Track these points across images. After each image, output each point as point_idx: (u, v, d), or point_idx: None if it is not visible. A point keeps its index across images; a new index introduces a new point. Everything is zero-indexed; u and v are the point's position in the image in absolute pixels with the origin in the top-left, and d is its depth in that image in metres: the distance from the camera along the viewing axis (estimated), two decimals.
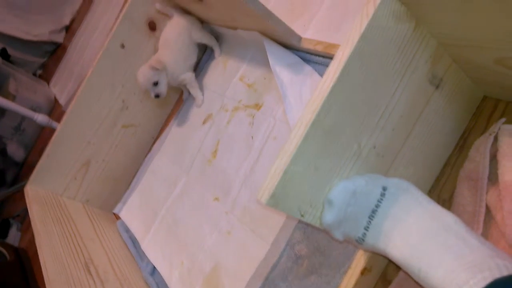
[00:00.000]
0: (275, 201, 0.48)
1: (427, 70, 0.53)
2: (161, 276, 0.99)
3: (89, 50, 2.33)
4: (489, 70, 0.52)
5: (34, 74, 2.97)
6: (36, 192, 1.15)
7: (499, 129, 0.55)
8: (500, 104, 0.60)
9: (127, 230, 1.17)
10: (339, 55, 0.46)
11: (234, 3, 0.82)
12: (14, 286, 1.63)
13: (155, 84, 1.04)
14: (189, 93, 1.17)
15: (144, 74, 1.03)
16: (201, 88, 1.16)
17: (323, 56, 0.86)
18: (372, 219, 0.51)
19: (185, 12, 1.13)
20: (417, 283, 0.47)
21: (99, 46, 2.17)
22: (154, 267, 1.02)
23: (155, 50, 1.18)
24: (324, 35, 0.91)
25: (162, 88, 1.05)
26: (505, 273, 0.40)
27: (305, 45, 0.87)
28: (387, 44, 0.48)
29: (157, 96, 1.05)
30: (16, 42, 2.75)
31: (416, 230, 0.48)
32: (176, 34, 1.09)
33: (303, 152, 0.47)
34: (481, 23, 0.42)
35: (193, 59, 1.13)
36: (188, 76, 1.12)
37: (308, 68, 0.88)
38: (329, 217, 0.51)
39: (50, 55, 2.99)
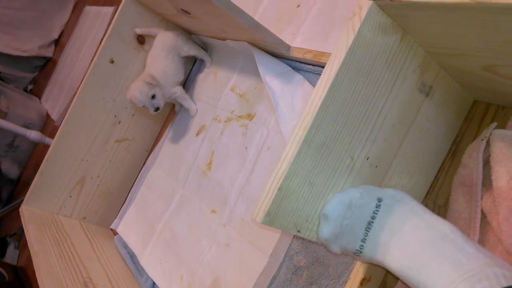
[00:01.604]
0: (271, 219, 0.48)
1: (416, 79, 0.54)
2: None
3: (79, 63, 2.33)
4: (478, 76, 0.52)
5: (25, 90, 2.96)
6: (32, 212, 1.14)
7: (491, 134, 0.55)
8: (490, 108, 0.60)
9: (125, 246, 1.17)
10: (327, 71, 0.46)
11: (222, 16, 0.82)
12: None
13: (153, 97, 1.03)
14: (181, 105, 1.17)
15: (140, 90, 1.01)
16: (193, 99, 1.16)
17: (313, 64, 0.86)
18: (368, 231, 0.51)
19: (169, 28, 1.14)
20: None
21: (89, 59, 2.16)
22: (154, 283, 1.02)
23: (144, 65, 1.18)
24: (313, 43, 0.91)
25: (160, 101, 1.05)
26: (503, 282, 0.40)
27: (294, 54, 0.88)
28: (375, 57, 0.48)
29: (157, 109, 1.04)
30: (5, 58, 2.74)
31: (413, 240, 0.48)
32: (163, 51, 1.09)
33: (297, 168, 0.47)
34: (466, 33, 0.43)
35: (181, 74, 1.13)
36: (178, 90, 1.12)
37: (298, 76, 0.88)
38: (325, 231, 0.51)
39: (40, 69, 2.98)
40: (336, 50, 0.46)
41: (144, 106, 1.03)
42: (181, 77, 1.13)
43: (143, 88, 1.02)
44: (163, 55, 1.09)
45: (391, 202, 0.51)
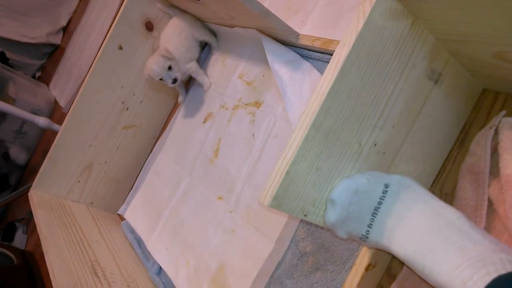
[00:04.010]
0: (278, 202, 0.48)
1: (426, 66, 0.53)
2: (167, 276, 1.00)
3: (87, 51, 2.33)
4: (487, 64, 0.52)
5: (33, 77, 2.97)
6: (41, 197, 1.16)
7: (500, 122, 0.55)
8: (500, 96, 0.60)
9: (132, 231, 1.18)
10: (337, 56, 0.46)
11: (231, 2, 0.82)
12: None
13: (169, 69, 1.03)
14: (186, 95, 1.18)
15: (157, 62, 1.02)
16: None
17: (322, 52, 0.86)
18: (375, 217, 0.51)
19: (184, 12, 1.14)
20: (422, 278, 0.48)
21: (97, 46, 2.16)
22: (161, 267, 1.03)
23: (153, 50, 1.18)
24: (322, 31, 0.91)
25: (177, 73, 1.05)
26: (509, 267, 0.40)
27: (303, 41, 0.87)
28: (385, 43, 0.48)
29: (174, 80, 1.04)
30: (14, 45, 2.75)
31: (419, 226, 0.48)
32: (178, 31, 1.10)
33: (304, 153, 0.48)
34: (479, 18, 0.42)
35: (195, 52, 1.14)
36: (193, 65, 1.13)
37: (307, 64, 0.88)
38: (332, 216, 0.52)
39: (48, 57, 2.99)
40: (346, 34, 0.46)
41: (161, 79, 1.04)
42: (195, 54, 1.14)
43: (159, 60, 1.03)
44: (177, 33, 1.10)
45: (398, 188, 0.51)
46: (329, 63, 0.47)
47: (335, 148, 0.50)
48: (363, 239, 0.52)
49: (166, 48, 1.05)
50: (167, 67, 1.03)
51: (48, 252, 0.92)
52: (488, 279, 0.39)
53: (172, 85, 1.06)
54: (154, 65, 1.03)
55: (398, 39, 0.49)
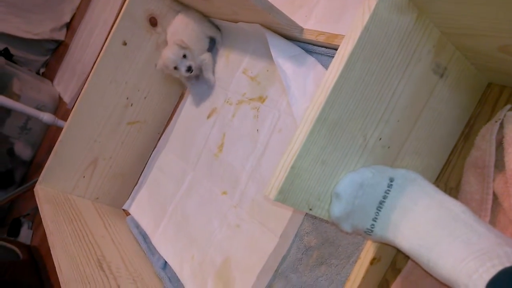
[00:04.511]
0: (283, 196, 0.49)
1: (431, 60, 0.53)
2: (172, 270, 1.00)
3: (91, 47, 2.34)
4: (493, 58, 0.52)
5: (38, 73, 2.98)
6: (46, 192, 1.16)
7: (505, 116, 0.55)
8: (505, 90, 0.60)
9: (137, 226, 1.19)
10: (342, 50, 0.46)
11: None
12: (27, 285, 1.65)
13: (184, 57, 1.05)
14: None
15: (172, 51, 1.05)
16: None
17: (326, 47, 0.86)
18: (380, 211, 0.51)
19: (188, 8, 1.14)
20: (427, 272, 0.48)
21: (101, 42, 2.17)
22: (166, 262, 1.04)
23: (158, 45, 1.18)
24: (326, 25, 0.91)
25: (191, 61, 1.06)
26: None
27: (307, 36, 0.87)
28: (390, 37, 0.48)
29: (189, 69, 1.06)
30: (18, 41, 2.75)
31: (424, 220, 0.48)
32: (184, 25, 1.12)
33: (309, 147, 0.48)
34: (485, 11, 0.42)
35: (206, 44, 1.15)
36: (207, 56, 1.13)
37: (311, 59, 0.88)
38: (337, 210, 0.52)
39: (52, 53, 3.00)
40: (351, 29, 0.46)
41: (176, 68, 1.06)
42: (206, 45, 1.16)
43: (174, 48, 1.05)
44: (183, 27, 1.12)
45: (403, 182, 0.51)
46: (334, 57, 0.47)
47: (340, 142, 0.50)
48: (368, 233, 0.52)
49: (180, 39, 1.06)
50: (181, 56, 1.05)
51: (55, 247, 0.93)
52: (493, 272, 0.39)
53: (187, 74, 1.06)
54: (170, 52, 1.05)
55: (403, 33, 0.49)
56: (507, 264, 0.40)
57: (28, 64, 2.91)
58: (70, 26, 2.95)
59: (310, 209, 0.52)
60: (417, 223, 0.48)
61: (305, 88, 0.84)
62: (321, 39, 0.84)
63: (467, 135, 0.62)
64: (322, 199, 0.52)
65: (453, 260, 0.43)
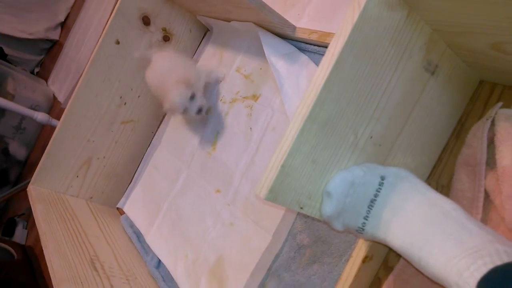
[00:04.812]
0: (274, 195, 0.48)
1: (422, 57, 0.53)
2: (166, 269, 1.00)
3: (85, 46, 2.33)
4: (484, 55, 0.52)
5: (32, 72, 2.97)
6: (39, 192, 1.16)
7: (496, 113, 0.55)
8: (497, 88, 0.60)
9: (131, 225, 1.18)
10: (332, 48, 0.46)
11: None
12: (22, 285, 1.64)
13: (192, 98, 0.95)
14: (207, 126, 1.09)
15: (178, 93, 0.94)
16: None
17: (318, 45, 0.86)
18: (371, 209, 0.51)
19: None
20: (418, 270, 0.48)
21: (95, 41, 2.16)
22: (159, 261, 1.03)
23: (150, 44, 1.18)
24: (318, 24, 0.90)
25: (202, 99, 0.97)
26: (505, 258, 0.40)
27: (299, 34, 0.87)
28: (380, 34, 0.48)
29: (200, 110, 0.96)
30: (12, 41, 2.74)
31: (416, 218, 0.48)
32: (172, 62, 1.04)
33: (300, 145, 0.48)
34: (476, 9, 0.42)
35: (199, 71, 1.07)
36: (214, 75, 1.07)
37: (304, 57, 0.88)
38: (328, 208, 0.52)
39: (46, 52, 2.99)
40: (341, 26, 0.46)
41: (185, 110, 0.96)
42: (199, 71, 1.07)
43: (179, 91, 0.94)
44: (171, 62, 1.04)
45: (394, 180, 0.51)
46: (325, 55, 0.47)
47: (331, 141, 0.50)
48: (359, 231, 0.52)
49: (183, 76, 0.97)
50: (189, 96, 0.95)
51: (47, 247, 0.92)
52: (484, 270, 0.39)
53: (199, 115, 0.97)
54: (175, 96, 0.94)
55: (394, 30, 0.49)
56: (498, 263, 0.40)
57: (23, 64, 2.90)
58: (65, 26, 2.93)
59: (301, 208, 0.52)
60: (408, 221, 0.48)
61: (298, 86, 0.84)
62: (313, 37, 0.84)
63: (458, 132, 0.62)
64: (313, 198, 0.52)
65: (444, 258, 0.43)
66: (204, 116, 0.98)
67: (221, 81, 1.08)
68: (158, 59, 1.06)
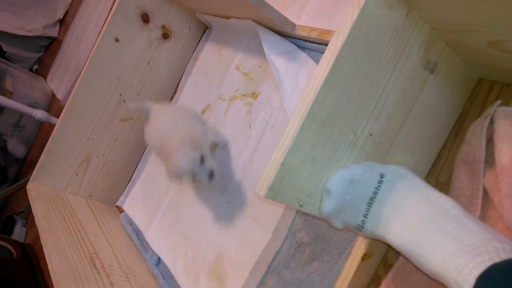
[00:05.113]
0: (274, 193, 0.48)
1: (421, 55, 0.53)
2: (166, 266, 1.00)
3: (84, 43, 2.32)
4: (483, 53, 0.52)
5: (31, 70, 2.96)
6: (39, 189, 1.16)
7: (495, 111, 0.55)
8: (495, 86, 0.60)
9: (131, 223, 1.18)
10: (332, 46, 0.46)
11: None
12: (22, 283, 1.65)
13: (202, 161, 0.82)
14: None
15: (186, 157, 0.81)
16: (196, 77, 1.16)
17: (318, 43, 0.86)
18: (370, 207, 0.51)
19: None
20: (417, 267, 0.48)
21: (94, 39, 2.16)
22: (159, 258, 1.04)
23: (150, 42, 1.18)
24: (318, 21, 0.90)
25: (212, 162, 0.84)
26: (503, 256, 0.41)
27: (299, 32, 0.87)
28: (380, 32, 0.48)
29: (211, 174, 0.83)
30: (10, 38, 2.73)
31: (415, 215, 0.48)
32: (173, 119, 0.95)
33: (299, 144, 0.48)
34: (474, 7, 0.42)
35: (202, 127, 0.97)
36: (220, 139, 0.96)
37: (303, 55, 0.88)
38: (327, 206, 0.52)
39: (45, 49, 2.98)
40: (341, 24, 0.46)
41: (195, 176, 0.83)
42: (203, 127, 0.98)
43: (187, 154, 0.82)
44: (173, 120, 0.94)
45: (394, 178, 0.51)
46: (324, 53, 0.47)
47: (331, 139, 0.50)
48: (359, 229, 0.52)
49: (190, 135, 0.85)
50: (199, 160, 0.82)
51: (47, 245, 0.92)
52: (482, 267, 0.40)
53: (211, 180, 0.83)
54: (183, 161, 0.81)
55: (393, 29, 0.49)
56: (497, 260, 0.40)
57: (21, 61, 2.89)
58: (63, 23, 2.92)
59: (301, 206, 0.52)
60: (407, 219, 0.48)
61: (297, 84, 0.84)
62: (313, 35, 0.84)
63: (457, 130, 0.62)
64: (313, 196, 0.52)
65: (443, 256, 0.43)
66: (215, 181, 0.83)
67: (225, 147, 0.96)
68: (158, 115, 0.96)
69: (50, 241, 0.94)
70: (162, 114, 0.97)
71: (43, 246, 0.93)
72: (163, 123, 0.94)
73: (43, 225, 0.99)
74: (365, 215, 0.52)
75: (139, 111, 1.01)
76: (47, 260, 0.89)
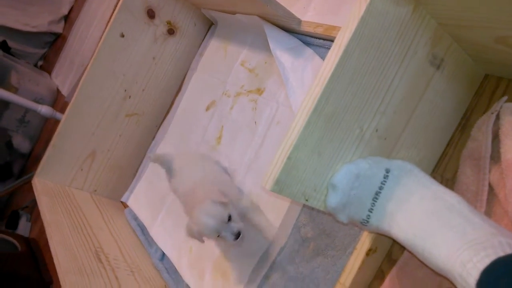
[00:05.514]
0: (280, 187, 0.49)
1: (428, 51, 0.53)
2: (170, 261, 1.01)
3: (89, 39, 2.33)
4: (489, 49, 0.52)
5: (36, 65, 2.97)
6: (44, 184, 1.17)
7: (501, 107, 0.55)
8: (502, 82, 0.60)
9: (135, 218, 1.19)
10: (338, 41, 0.46)
11: None
12: (26, 277, 1.65)
13: (229, 219, 0.76)
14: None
15: (213, 214, 0.74)
16: (201, 74, 1.17)
17: (324, 39, 0.86)
18: (376, 201, 0.51)
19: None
20: (422, 262, 0.48)
21: (99, 35, 2.16)
22: (163, 253, 1.04)
23: (155, 38, 1.18)
24: (324, 17, 0.90)
25: (239, 221, 0.77)
26: (508, 250, 0.41)
27: (305, 28, 0.87)
28: (386, 28, 0.48)
29: (238, 235, 0.75)
30: (16, 34, 2.74)
31: (420, 210, 0.48)
32: (196, 166, 0.92)
33: (306, 138, 0.48)
34: (481, 3, 0.42)
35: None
36: (246, 201, 0.87)
37: (309, 51, 0.88)
38: (333, 201, 0.52)
39: (50, 45, 2.99)
40: (348, 20, 0.46)
41: (219, 236, 0.75)
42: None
43: (214, 209, 0.75)
44: (200, 166, 0.91)
45: (399, 173, 0.51)
46: (331, 48, 0.47)
47: (337, 134, 0.51)
48: (364, 224, 0.53)
49: (216, 189, 0.78)
50: (226, 218, 0.75)
51: (52, 238, 0.93)
52: (487, 261, 0.40)
53: (236, 242, 0.75)
54: (209, 218, 0.74)
55: (400, 24, 0.49)
56: (501, 254, 0.40)
57: (26, 57, 2.90)
58: (68, 19, 2.93)
59: (307, 200, 0.52)
60: (412, 214, 0.48)
61: (303, 80, 0.84)
62: (319, 31, 0.84)
63: (463, 127, 0.62)
64: (319, 190, 0.52)
65: (448, 250, 0.43)
66: (240, 242, 0.77)
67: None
68: (183, 166, 0.91)
69: (56, 235, 0.95)
70: (187, 165, 0.93)
71: (48, 240, 0.94)
72: (189, 174, 0.90)
73: (49, 218, 0.99)
74: (371, 210, 0.52)
75: (161, 162, 0.97)
76: (52, 253, 0.89)
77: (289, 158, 0.48)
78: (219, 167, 0.95)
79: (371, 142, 0.54)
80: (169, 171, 0.95)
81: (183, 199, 0.89)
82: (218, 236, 0.75)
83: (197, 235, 0.77)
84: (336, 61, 0.46)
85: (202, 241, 0.79)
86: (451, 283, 0.44)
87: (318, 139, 0.49)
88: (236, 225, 0.75)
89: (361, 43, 0.47)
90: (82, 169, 1.24)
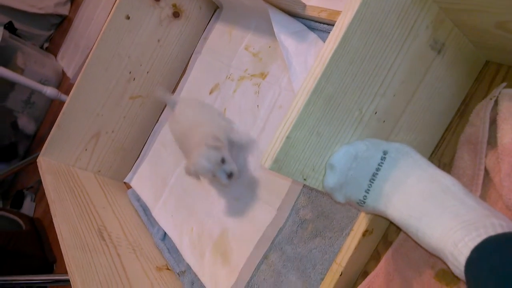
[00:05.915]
0: (278, 165, 0.50)
1: (429, 35, 0.54)
2: (172, 241, 1.03)
3: (94, 22, 2.33)
4: (490, 34, 0.53)
5: (41, 47, 2.98)
6: (49, 163, 1.18)
7: (500, 93, 0.56)
8: (502, 68, 0.60)
9: (138, 199, 1.21)
10: (340, 22, 0.47)
11: None
12: (30, 255, 1.68)
13: (223, 161, 0.83)
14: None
15: (207, 156, 0.82)
16: (205, 56, 1.17)
17: (328, 24, 0.86)
18: (372, 182, 0.53)
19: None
20: (416, 243, 0.50)
21: (105, 17, 2.16)
22: (165, 233, 1.06)
23: (160, 20, 1.18)
24: (328, 2, 0.90)
25: (232, 163, 0.84)
26: (499, 231, 0.42)
27: (309, 12, 0.87)
28: (388, 11, 0.49)
29: (230, 175, 0.83)
30: (22, 15, 2.74)
31: (416, 192, 0.49)
32: (195, 115, 0.98)
33: (305, 118, 0.49)
34: None
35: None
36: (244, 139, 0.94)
37: (313, 35, 0.88)
38: (331, 181, 0.53)
39: (56, 27, 2.99)
40: (349, 2, 0.47)
41: (214, 175, 0.84)
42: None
43: (209, 153, 0.82)
44: (199, 112, 0.98)
45: (396, 155, 0.52)
46: (332, 30, 0.48)
47: (336, 115, 0.51)
48: (361, 204, 0.54)
49: (213, 134, 0.85)
50: (220, 160, 0.83)
51: (57, 215, 0.95)
52: (478, 240, 0.41)
53: (228, 181, 0.84)
54: (204, 160, 0.82)
55: (401, 8, 0.50)
56: (492, 234, 0.41)
57: (32, 39, 2.91)
58: (74, 1, 2.93)
59: (305, 179, 0.53)
60: (408, 195, 0.49)
61: (306, 65, 0.85)
62: (323, 15, 0.84)
63: (462, 112, 0.63)
64: (317, 170, 0.54)
65: (441, 230, 0.45)
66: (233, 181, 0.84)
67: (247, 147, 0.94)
68: (184, 108, 1.00)
69: (60, 212, 0.97)
70: (187, 108, 1.00)
71: (52, 217, 0.95)
72: (188, 117, 0.96)
73: (53, 196, 1.01)
74: (367, 191, 0.53)
75: (165, 101, 1.05)
76: (56, 229, 0.91)
77: (288, 137, 0.49)
78: (218, 114, 1.02)
79: (370, 124, 0.55)
80: (172, 109, 1.04)
81: (179, 141, 0.99)
82: (213, 176, 0.83)
83: (194, 174, 0.86)
84: (337, 42, 0.47)
85: (199, 179, 0.91)
86: (444, 263, 0.45)
87: (317, 120, 0.50)
88: (229, 166, 0.83)
89: (362, 25, 0.47)
90: (86, 149, 1.25)
